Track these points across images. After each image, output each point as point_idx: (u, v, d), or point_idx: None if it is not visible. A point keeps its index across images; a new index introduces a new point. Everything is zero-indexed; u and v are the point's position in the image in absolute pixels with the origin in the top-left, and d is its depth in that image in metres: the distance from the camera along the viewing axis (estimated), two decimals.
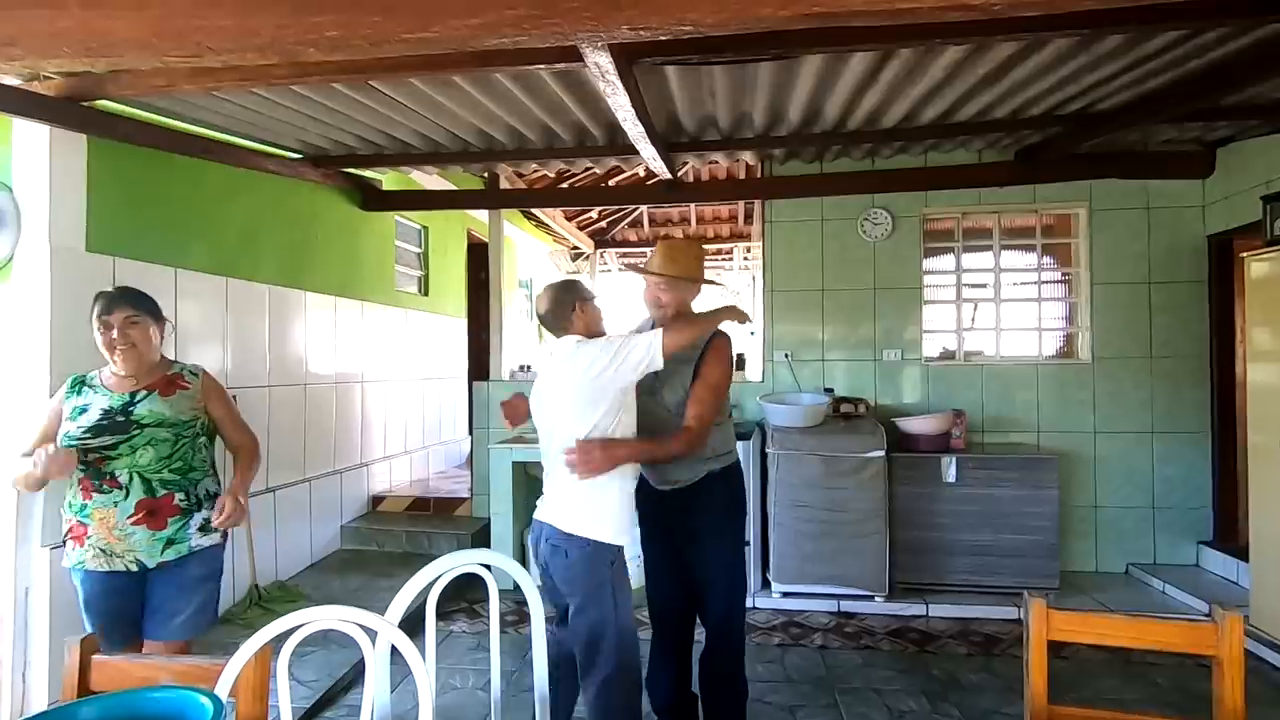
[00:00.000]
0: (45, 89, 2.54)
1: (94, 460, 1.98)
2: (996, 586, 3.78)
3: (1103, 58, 2.63)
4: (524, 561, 4.26)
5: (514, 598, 3.64)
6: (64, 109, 2.57)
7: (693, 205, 7.24)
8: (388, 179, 4.89)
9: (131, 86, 2.54)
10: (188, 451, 2.09)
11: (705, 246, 8.46)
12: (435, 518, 4.82)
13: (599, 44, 1.94)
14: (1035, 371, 4.28)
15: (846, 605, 3.76)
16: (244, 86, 2.55)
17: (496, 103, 3.10)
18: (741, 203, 6.90)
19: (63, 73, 2.46)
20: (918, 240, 4.36)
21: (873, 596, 3.74)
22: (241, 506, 2.08)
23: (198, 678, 1.23)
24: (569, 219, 7.34)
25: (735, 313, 2.22)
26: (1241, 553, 3.76)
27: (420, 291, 5.89)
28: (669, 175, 4.10)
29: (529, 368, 6.12)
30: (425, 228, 5.87)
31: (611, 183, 5.71)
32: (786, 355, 4.46)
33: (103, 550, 1.99)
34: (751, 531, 3.77)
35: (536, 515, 2.12)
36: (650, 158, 3.57)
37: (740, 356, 5.44)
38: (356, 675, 2.93)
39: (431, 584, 1.50)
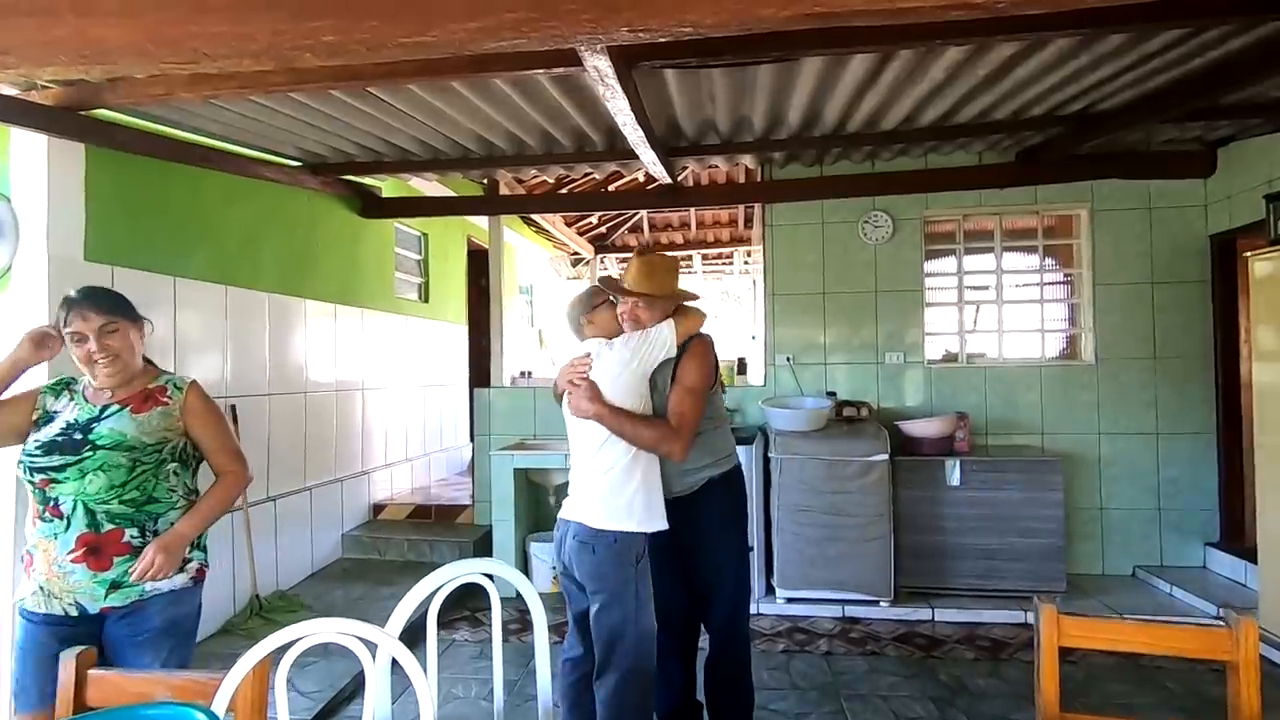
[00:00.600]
0: (43, 98, 2.53)
1: (39, 482, 1.70)
2: (1002, 590, 3.75)
3: (1104, 57, 2.62)
4: (526, 569, 4.24)
5: (516, 605, 3.63)
6: (61, 118, 2.57)
7: (692, 210, 7.23)
8: (387, 186, 4.89)
9: (129, 95, 2.54)
10: (148, 480, 1.76)
11: (705, 252, 8.46)
12: (437, 525, 4.80)
13: (598, 47, 1.93)
14: (1038, 373, 4.26)
15: (851, 610, 3.73)
16: (242, 94, 2.54)
17: (495, 108, 3.09)
18: (741, 207, 6.89)
19: (60, 81, 2.45)
20: (919, 242, 4.35)
21: (878, 601, 3.71)
22: (170, 558, 1.72)
23: (195, 692, 1.21)
24: (569, 224, 7.33)
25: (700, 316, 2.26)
26: (1248, 554, 3.73)
27: (420, 298, 5.88)
28: (669, 180, 4.09)
29: (530, 374, 6.11)
30: (425, 234, 5.86)
31: (611, 188, 5.71)
32: (788, 359, 4.44)
33: (41, 588, 1.70)
34: (755, 537, 3.75)
35: (562, 514, 2.17)
36: (650, 162, 3.56)
37: (740, 360, 5.43)
38: (358, 686, 2.91)
39: (433, 594, 1.47)
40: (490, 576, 1.56)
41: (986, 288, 4.44)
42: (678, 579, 2.26)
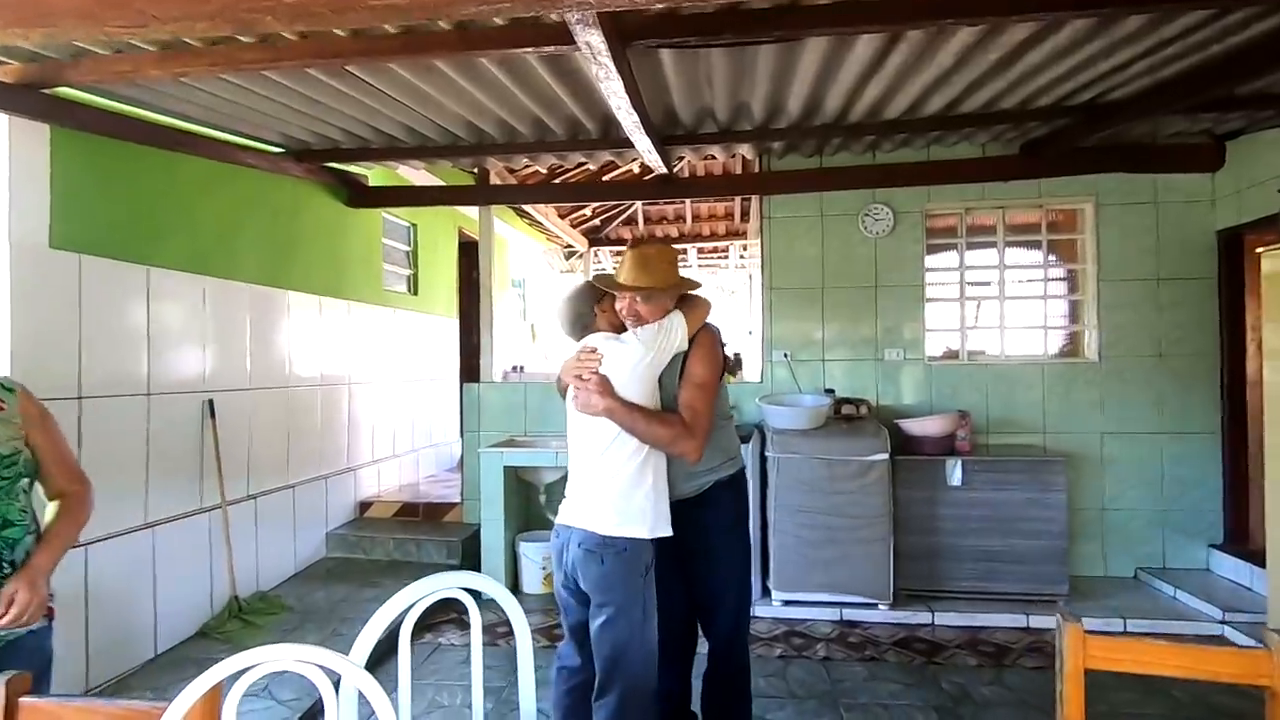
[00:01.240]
0: (2, 74, 2.38)
1: None
2: (1004, 593, 3.66)
3: (1120, 42, 2.51)
4: (515, 569, 4.13)
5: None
6: (22, 96, 2.42)
7: (688, 201, 7.11)
8: (374, 174, 4.74)
9: (94, 73, 2.39)
10: (0, 501, 1.48)
11: (700, 245, 8.34)
12: (425, 524, 4.68)
13: (589, 17, 1.80)
14: (1041, 371, 4.17)
15: (850, 614, 3.64)
16: (213, 72, 2.40)
17: (484, 92, 2.96)
18: (738, 200, 6.77)
19: (18, 56, 2.30)
20: (920, 236, 4.24)
21: (876, 604, 3.61)
22: (39, 595, 1.46)
23: None
24: (562, 216, 7.19)
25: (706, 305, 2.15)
26: (1253, 556, 3.65)
27: (409, 291, 5.74)
28: (664, 170, 3.96)
29: (522, 369, 5.98)
30: (414, 225, 5.72)
31: (605, 179, 5.57)
32: (785, 355, 4.34)
33: None
34: (752, 538, 3.64)
35: (561, 519, 2.06)
36: (645, 150, 3.43)
37: (737, 356, 5.32)
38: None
39: (405, 613, 1.36)
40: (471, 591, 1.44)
41: (988, 283, 4.34)
42: (679, 585, 2.15)
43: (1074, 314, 4.32)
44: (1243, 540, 3.89)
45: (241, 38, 2.25)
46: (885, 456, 3.57)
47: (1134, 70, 2.83)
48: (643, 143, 3.28)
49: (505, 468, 4.03)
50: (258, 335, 3.82)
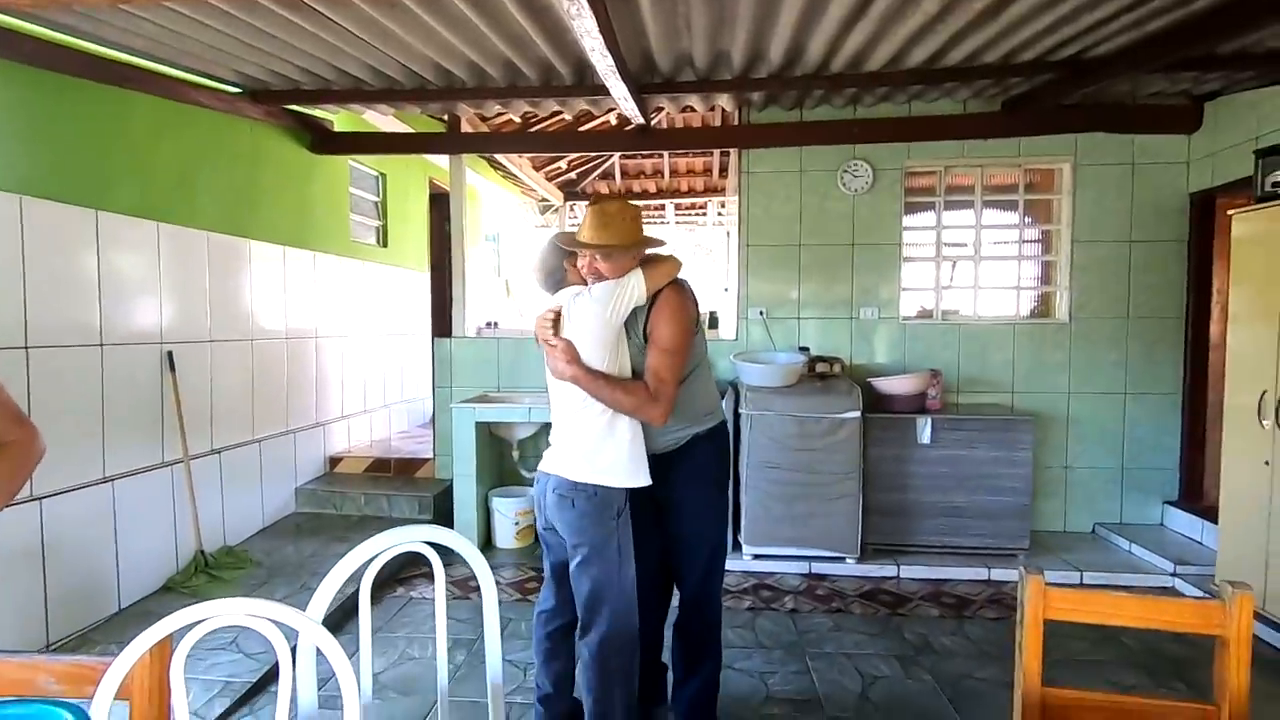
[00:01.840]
0: None
1: None
2: (968, 547, 3.76)
3: None
4: (489, 525, 4.13)
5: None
6: None
7: (666, 154, 6.96)
8: (339, 119, 4.55)
9: None
10: None
11: (678, 201, 8.21)
12: (396, 479, 4.65)
13: None
14: (1012, 331, 4.21)
15: (818, 567, 3.71)
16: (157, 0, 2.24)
17: (452, 31, 2.82)
18: (716, 154, 6.64)
19: None
20: (898, 194, 4.20)
21: (844, 558, 3.69)
22: None
23: (83, 679, 1.06)
24: (537, 169, 7.01)
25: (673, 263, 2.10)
26: (1205, 513, 3.78)
27: (379, 243, 5.58)
28: (641, 120, 3.85)
29: (496, 324, 5.89)
30: (383, 174, 5.53)
31: (581, 129, 5.42)
32: (761, 313, 4.31)
33: None
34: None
35: (541, 468, 2.10)
36: (621, 97, 3.32)
37: (712, 314, 5.28)
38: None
39: (367, 564, 1.33)
40: (434, 545, 1.41)
41: (964, 244, 4.33)
42: (653, 536, 2.16)
43: (1047, 275, 4.35)
44: (1197, 497, 4.02)
45: None
46: (857, 414, 3.60)
47: (1117, 25, 2.78)
48: (618, 89, 3.17)
49: (477, 423, 3.99)
50: (218, 285, 3.69)
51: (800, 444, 3.61)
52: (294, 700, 1.09)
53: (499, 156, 6.04)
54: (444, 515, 4.19)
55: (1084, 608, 1.28)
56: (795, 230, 4.27)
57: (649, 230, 2.08)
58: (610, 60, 2.70)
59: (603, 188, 7.92)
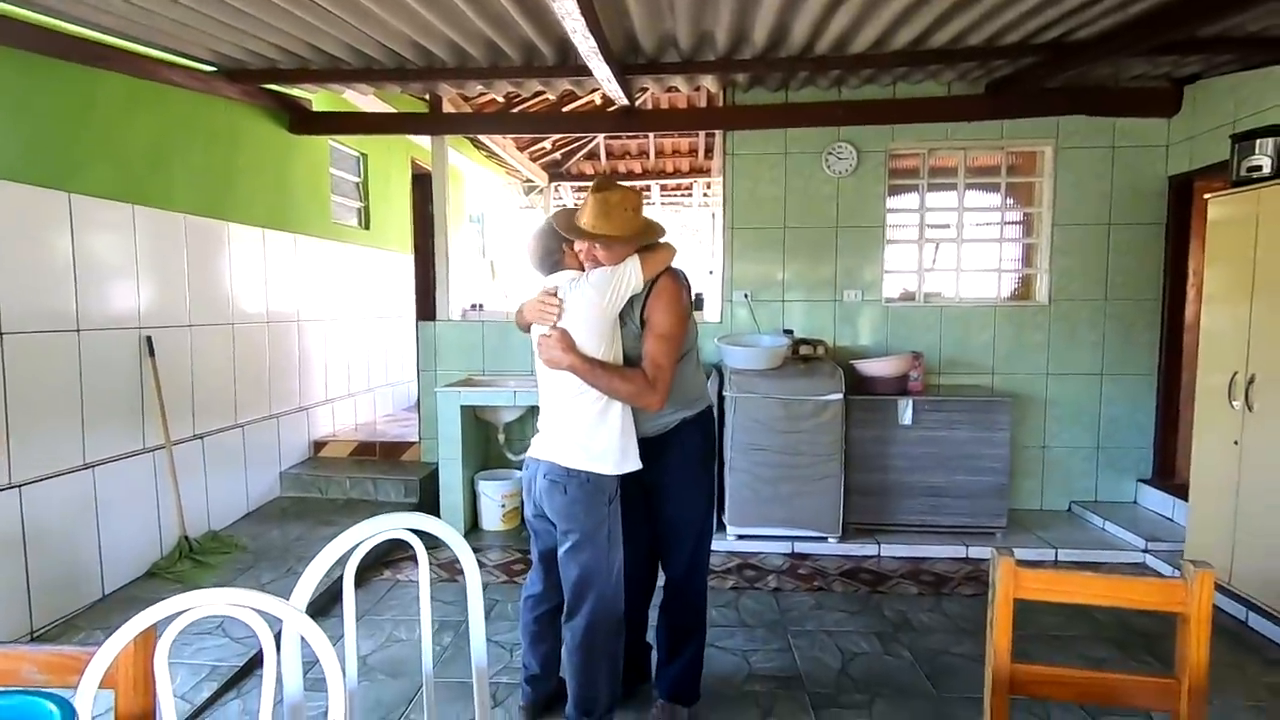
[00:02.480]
0: None
1: None
2: (947, 526, 3.83)
3: None
4: (475, 508, 4.15)
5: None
6: None
7: (651, 135, 6.92)
8: (318, 99, 4.47)
9: None
10: None
11: (663, 182, 8.17)
12: (382, 463, 4.64)
13: None
14: (993, 313, 4.26)
15: (800, 547, 3.77)
16: None
17: (431, 10, 2.77)
18: (702, 135, 6.61)
19: None
20: (882, 177, 4.21)
21: (826, 538, 3.75)
22: None
23: (67, 668, 1.06)
24: (521, 149, 6.94)
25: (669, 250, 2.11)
26: (1177, 490, 3.88)
27: (361, 224, 5.52)
28: (626, 101, 3.82)
29: (481, 307, 5.86)
30: (364, 155, 5.45)
31: (565, 110, 5.36)
32: (746, 295, 4.33)
33: None
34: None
35: (531, 453, 2.10)
36: (605, 79, 3.29)
37: (699, 297, 5.29)
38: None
39: (350, 552, 1.34)
40: (418, 531, 1.43)
41: (947, 226, 4.36)
42: (640, 518, 2.18)
43: (1027, 258, 4.39)
44: (1169, 476, 4.11)
45: None
46: (840, 396, 3.64)
47: (1101, 8, 2.79)
48: (601, 71, 3.14)
49: (463, 407, 3.99)
50: (197, 269, 3.64)
51: (784, 426, 3.65)
52: (279, 685, 1.11)
53: (482, 137, 5.97)
54: (430, 498, 4.20)
55: (1053, 587, 1.32)
56: (780, 212, 4.27)
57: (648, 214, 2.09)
58: (592, 41, 2.67)
59: (588, 169, 7.86)
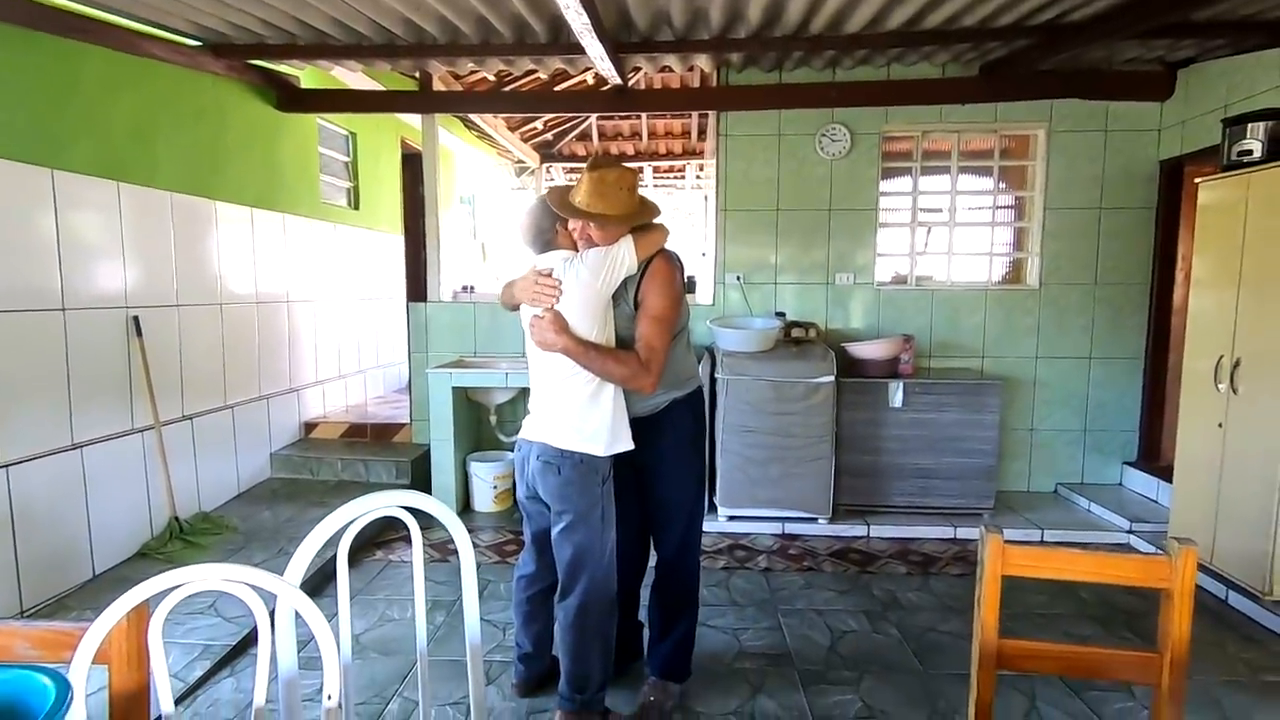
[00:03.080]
0: None
1: None
2: (935, 507, 3.88)
3: None
4: (467, 489, 4.15)
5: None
6: None
7: (644, 116, 6.86)
8: (306, 76, 4.40)
9: None
10: None
11: (656, 164, 8.12)
12: (373, 444, 4.63)
13: None
14: (984, 297, 4.27)
15: (791, 528, 3.80)
16: None
17: None
18: (695, 116, 6.56)
19: None
20: (876, 159, 4.20)
21: (816, 519, 3.78)
22: None
23: (60, 644, 1.06)
24: (512, 129, 6.87)
25: (662, 232, 2.10)
26: (1162, 472, 3.93)
27: (350, 205, 5.46)
28: (619, 80, 3.78)
29: (472, 288, 5.83)
30: (353, 134, 5.39)
31: (557, 89, 5.31)
32: (738, 278, 4.33)
33: None
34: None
35: (523, 434, 2.10)
36: (597, 57, 3.25)
37: (691, 279, 5.28)
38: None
39: (343, 529, 1.34)
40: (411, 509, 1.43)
41: (940, 210, 4.36)
42: (632, 498, 2.20)
43: (1019, 242, 4.41)
44: (1155, 458, 4.17)
45: None
46: (831, 379, 3.65)
47: None
48: (594, 48, 3.10)
49: (454, 388, 3.98)
50: (184, 248, 3.59)
51: (775, 408, 3.67)
52: (274, 662, 1.11)
53: (473, 116, 5.90)
54: (422, 480, 4.21)
55: (1040, 564, 1.34)
56: (773, 194, 4.26)
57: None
58: (585, 18, 2.64)
59: (580, 150, 7.80)
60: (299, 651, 1.37)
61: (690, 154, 7.77)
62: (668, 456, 2.19)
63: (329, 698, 1.02)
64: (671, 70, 4.11)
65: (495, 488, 4.13)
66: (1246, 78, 3.44)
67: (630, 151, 7.81)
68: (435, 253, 4.56)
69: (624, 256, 1.96)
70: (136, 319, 3.26)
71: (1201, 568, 3.10)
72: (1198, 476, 3.16)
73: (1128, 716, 2.22)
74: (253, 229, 4.15)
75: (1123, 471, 4.29)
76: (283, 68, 4.13)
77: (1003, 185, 4.39)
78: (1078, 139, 4.12)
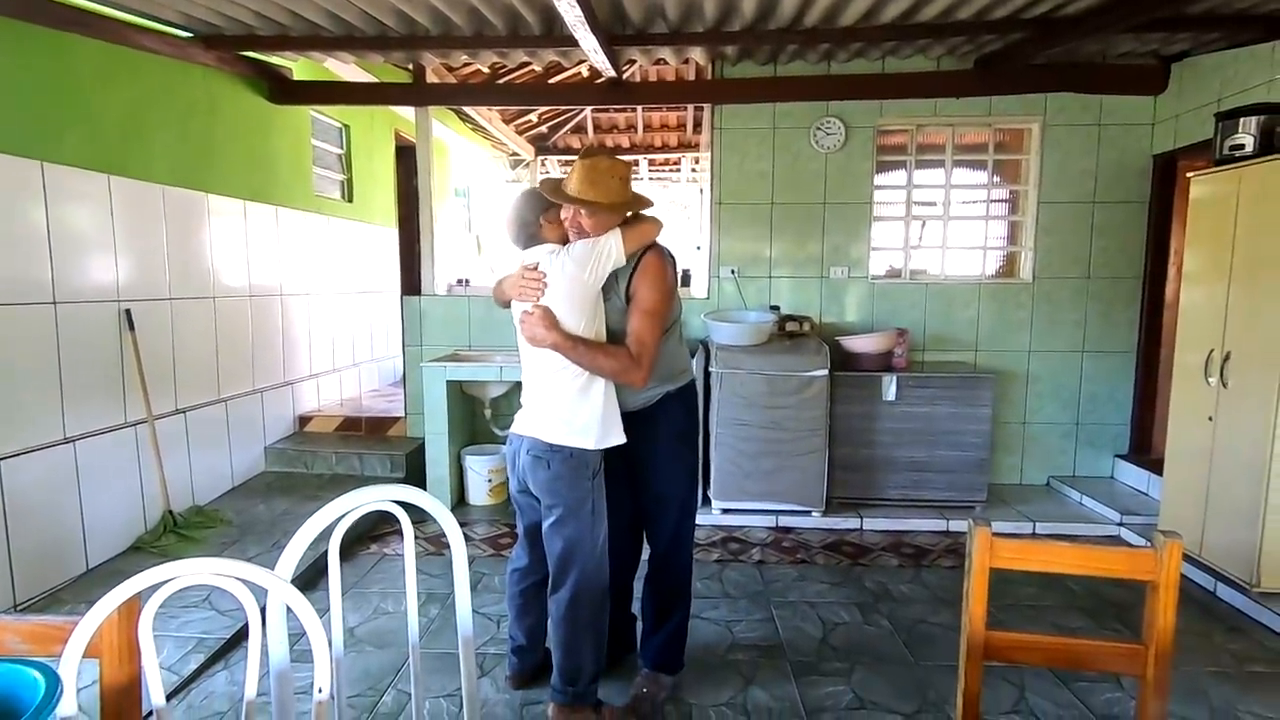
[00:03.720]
0: None
1: None
2: (928, 500, 3.90)
3: None
4: (461, 483, 4.16)
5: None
6: None
7: (639, 110, 6.84)
8: (298, 67, 4.37)
9: None
10: None
11: (651, 157, 8.10)
12: (368, 438, 4.63)
13: None
14: (978, 291, 4.29)
15: (784, 521, 3.82)
16: None
17: None
18: (690, 109, 6.54)
19: None
20: (870, 153, 4.20)
21: (810, 512, 3.80)
22: None
23: (51, 638, 1.06)
24: (507, 122, 6.83)
25: (654, 225, 2.09)
26: (1152, 465, 3.95)
27: (344, 197, 5.44)
28: (613, 73, 3.77)
29: (467, 282, 5.82)
30: (346, 126, 5.36)
31: (552, 82, 5.28)
32: (733, 271, 4.33)
33: None
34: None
35: (514, 429, 2.10)
36: (591, 49, 3.24)
37: (685, 273, 5.28)
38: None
39: (335, 523, 1.34)
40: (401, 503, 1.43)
41: (934, 203, 4.37)
42: (624, 491, 2.20)
43: (1013, 235, 4.42)
44: (1146, 451, 4.20)
45: None
46: (825, 372, 3.66)
47: None
48: (588, 41, 3.09)
49: (449, 382, 3.98)
50: (176, 241, 3.58)
51: (769, 401, 3.68)
52: (265, 656, 1.12)
53: (467, 109, 5.87)
54: (416, 473, 4.21)
55: (1028, 556, 1.35)
56: (768, 188, 4.26)
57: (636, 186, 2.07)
58: (578, 11, 2.63)
59: (575, 143, 7.77)
60: (293, 645, 1.38)
61: (686, 147, 7.75)
62: (660, 450, 2.19)
63: (319, 691, 1.03)
64: (666, 63, 4.10)
65: (490, 481, 4.13)
66: (1240, 72, 3.44)
67: (625, 144, 7.78)
68: (429, 246, 4.55)
69: (611, 249, 1.95)
70: (129, 312, 3.25)
71: (1190, 560, 3.13)
72: (1188, 469, 3.18)
73: (1115, 706, 2.25)
74: (245, 222, 4.14)
75: (1114, 464, 4.31)
76: (275, 60, 4.11)
77: (997, 179, 4.39)
78: (1072, 133, 4.13)
